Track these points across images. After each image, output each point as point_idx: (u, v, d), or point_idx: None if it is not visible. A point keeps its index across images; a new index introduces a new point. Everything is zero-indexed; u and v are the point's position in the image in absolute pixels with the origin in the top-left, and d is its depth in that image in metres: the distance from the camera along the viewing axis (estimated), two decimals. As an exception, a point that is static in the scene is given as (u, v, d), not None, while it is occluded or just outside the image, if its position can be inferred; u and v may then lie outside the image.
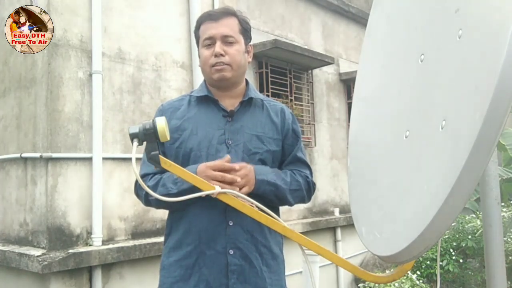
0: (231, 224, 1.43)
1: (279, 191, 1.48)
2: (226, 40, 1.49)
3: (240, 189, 1.37)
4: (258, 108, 1.58)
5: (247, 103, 1.56)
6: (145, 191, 1.34)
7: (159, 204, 1.45)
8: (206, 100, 1.55)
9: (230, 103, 1.55)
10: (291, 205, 1.57)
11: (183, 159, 1.47)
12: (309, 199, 1.62)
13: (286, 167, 1.58)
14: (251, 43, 1.62)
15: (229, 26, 1.51)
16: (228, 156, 1.40)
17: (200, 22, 1.56)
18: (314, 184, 1.63)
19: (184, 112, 1.54)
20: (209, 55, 1.50)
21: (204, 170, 1.37)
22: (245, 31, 1.56)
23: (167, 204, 1.40)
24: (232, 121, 1.51)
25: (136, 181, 1.51)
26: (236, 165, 1.39)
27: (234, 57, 1.50)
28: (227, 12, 1.53)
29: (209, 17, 1.53)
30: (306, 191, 1.58)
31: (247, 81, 1.62)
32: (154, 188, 1.42)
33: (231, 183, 1.35)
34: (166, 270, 1.48)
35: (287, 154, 1.59)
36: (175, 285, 1.45)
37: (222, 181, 1.34)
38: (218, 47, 1.48)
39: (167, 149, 1.50)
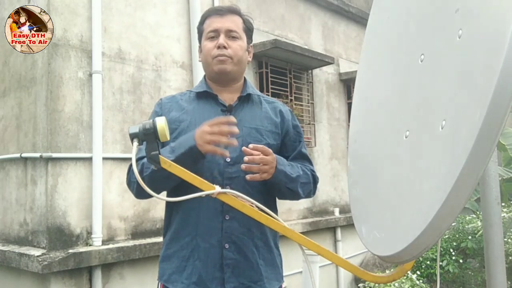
0: (227, 218, 1.43)
1: (292, 183, 1.50)
2: (230, 34, 1.53)
3: (263, 173, 1.40)
4: (256, 104, 1.60)
5: (245, 98, 1.58)
6: (137, 183, 1.28)
7: (141, 190, 1.35)
8: (206, 96, 1.57)
9: (228, 97, 1.57)
10: (299, 197, 1.58)
11: None
12: (314, 193, 1.66)
13: (292, 162, 1.60)
14: (251, 43, 1.64)
15: (234, 22, 1.55)
16: (256, 145, 1.40)
17: (205, 16, 1.59)
18: (318, 178, 1.67)
19: (183, 105, 1.56)
20: (212, 46, 1.52)
21: (202, 136, 1.34)
22: (248, 30, 1.59)
23: (156, 185, 1.33)
24: (230, 116, 1.52)
25: (129, 169, 1.47)
26: (266, 149, 1.40)
27: (237, 51, 1.52)
28: (233, 10, 1.57)
29: (215, 12, 1.56)
30: (313, 184, 1.62)
31: (245, 78, 1.65)
32: (140, 173, 1.34)
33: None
34: (166, 262, 1.50)
35: (291, 150, 1.61)
36: (172, 276, 1.46)
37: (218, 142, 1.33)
38: (222, 39, 1.51)
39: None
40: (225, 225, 1.43)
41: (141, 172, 1.36)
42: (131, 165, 1.37)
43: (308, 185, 1.59)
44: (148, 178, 1.36)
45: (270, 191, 1.54)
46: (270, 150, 1.42)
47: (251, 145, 1.40)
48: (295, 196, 1.56)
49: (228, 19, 1.54)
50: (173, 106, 1.55)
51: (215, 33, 1.52)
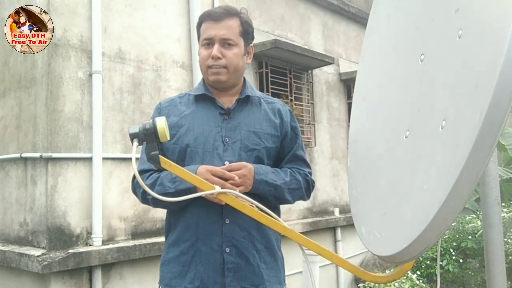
0: (227, 222, 1.43)
1: (278, 191, 1.48)
2: (225, 42, 1.49)
3: (237, 187, 1.39)
4: (256, 105, 1.58)
5: (244, 100, 1.56)
6: (143, 189, 1.33)
7: (156, 203, 1.45)
8: (204, 98, 1.56)
9: (227, 100, 1.56)
10: (290, 203, 1.58)
11: (179, 155, 1.48)
12: (308, 197, 1.63)
13: (286, 165, 1.59)
14: (251, 43, 1.60)
15: (230, 28, 1.49)
16: (229, 164, 1.42)
17: (201, 20, 1.55)
18: (313, 182, 1.64)
19: (182, 109, 1.55)
20: (206, 55, 1.50)
21: (204, 173, 1.37)
22: (246, 33, 1.54)
23: (165, 203, 1.40)
24: (229, 119, 1.52)
25: (133, 178, 1.52)
26: (237, 164, 1.40)
27: (231, 60, 1.49)
28: (229, 13, 1.51)
29: (210, 16, 1.51)
30: (305, 189, 1.59)
31: (244, 79, 1.62)
32: (151, 186, 1.42)
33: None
34: (166, 266, 1.50)
35: (287, 152, 1.59)
36: (173, 281, 1.46)
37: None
38: (216, 50, 1.47)
39: (164, 145, 1.49)
40: (225, 229, 1.43)
41: (150, 186, 1.41)
42: (134, 177, 1.48)
43: (298, 191, 1.55)
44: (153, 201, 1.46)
45: None
46: (244, 163, 1.41)
47: (224, 167, 1.41)
48: (283, 203, 1.55)
49: (223, 25, 1.48)
50: (172, 111, 1.54)
51: (209, 41, 1.49)
